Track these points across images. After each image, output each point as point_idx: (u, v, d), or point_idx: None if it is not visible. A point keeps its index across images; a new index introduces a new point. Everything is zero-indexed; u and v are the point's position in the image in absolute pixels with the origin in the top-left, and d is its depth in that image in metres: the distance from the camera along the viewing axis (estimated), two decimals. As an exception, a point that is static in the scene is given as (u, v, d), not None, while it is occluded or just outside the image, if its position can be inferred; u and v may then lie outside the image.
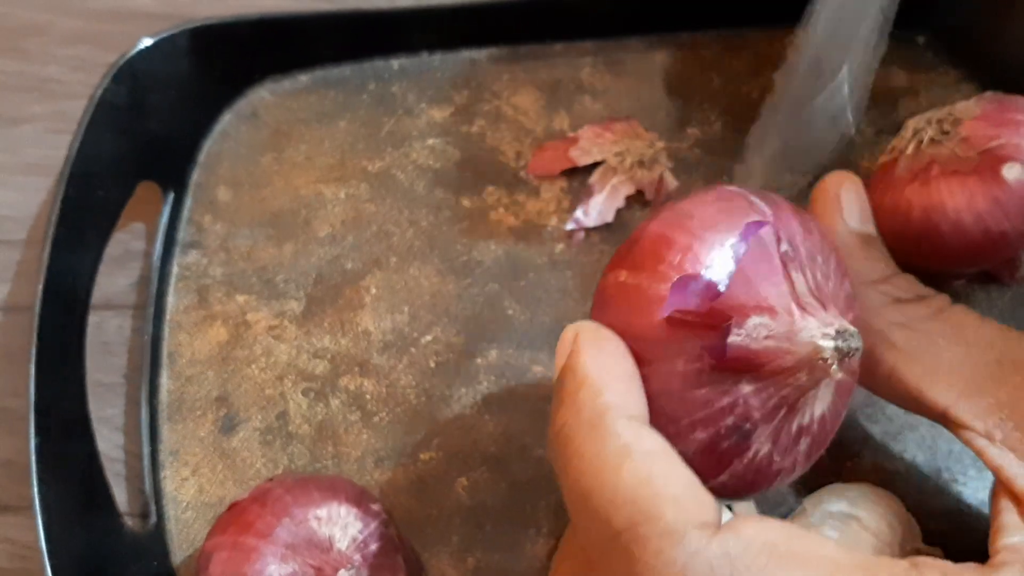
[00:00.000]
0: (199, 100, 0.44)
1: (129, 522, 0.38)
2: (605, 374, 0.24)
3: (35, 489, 0.34)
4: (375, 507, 0.34)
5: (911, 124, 0.36)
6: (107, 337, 0.42)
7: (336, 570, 0.31)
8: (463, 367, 0.40)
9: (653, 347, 0.25)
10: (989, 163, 0.34)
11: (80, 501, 0.37)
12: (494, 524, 0.37)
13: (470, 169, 0.43)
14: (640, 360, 0.25)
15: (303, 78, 0.46)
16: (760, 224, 0.25)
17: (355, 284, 0.42)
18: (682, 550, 0.20)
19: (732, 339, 0.24)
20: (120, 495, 0.39)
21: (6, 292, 0.43)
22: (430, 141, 0.44)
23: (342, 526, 0.33)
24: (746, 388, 0.24)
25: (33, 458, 0.34)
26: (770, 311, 0.24)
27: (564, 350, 0.25)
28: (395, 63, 0.46)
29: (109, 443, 0.40)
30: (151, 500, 0.38)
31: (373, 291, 0.41)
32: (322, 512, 0.33)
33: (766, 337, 0.24)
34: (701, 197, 0.27)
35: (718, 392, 0.24)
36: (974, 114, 0.35)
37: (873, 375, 0.31)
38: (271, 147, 0.45)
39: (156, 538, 0.38)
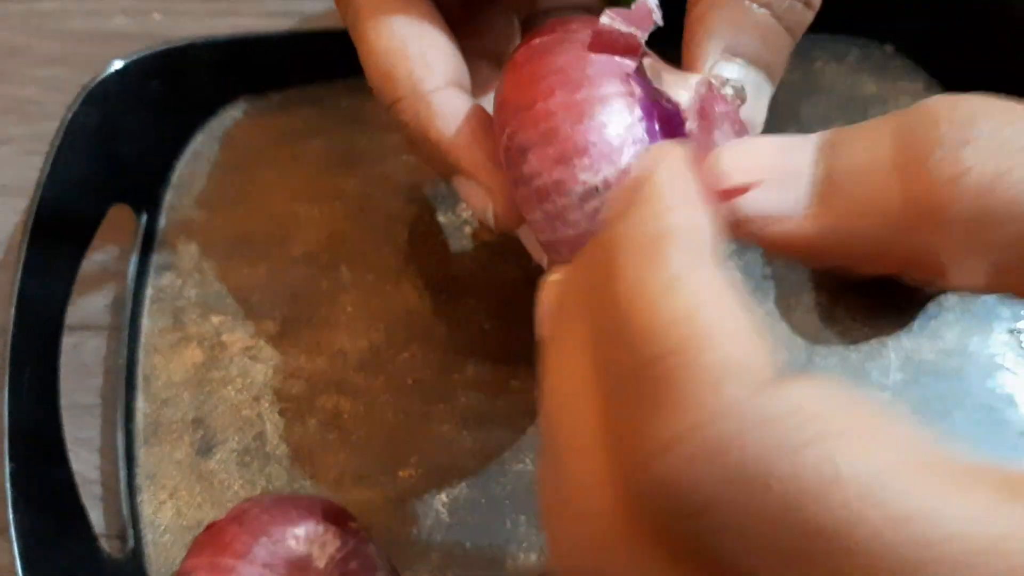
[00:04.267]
0: (171, 121, 0.44)
1: (107, 546, 0.38)
2: (679, 195, 0.20)
3: (10, 515, 0.34)
4: (353, 525, 0.34)
5: (880, 132, 0.37)
6: (84, 358, 0.41)
7: (314, 589, 0.31)
8: (440, 384, 0.40)
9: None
10: (957, 169, 0.34)
11: (56, 525, 0.36)
12: (474, 541, 0.37)
13: (445, 185, 0.43)
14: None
15: (276, 97, 0.46)
16: None
17: (331, 303, 0.41)
18: (729, 390, 0.16)
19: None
20: (97, 518, 0.38)
21: (-20, 315, 0.43)
22: (404, 158, 0.44)
23: (320, 544, 0.33)
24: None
25: (8, 483, 0.34)
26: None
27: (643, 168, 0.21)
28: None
29: (87, 465, 0.39)
30: (128, 524, 0.38)
31: (349, 309, 0.41)
32: (300, 531, 0.33)
33: None
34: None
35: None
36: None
37: None
38: (244, 167, 0.45)
39: (134, 562, 0.37)
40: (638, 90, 0.26)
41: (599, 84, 0.26)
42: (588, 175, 0.25)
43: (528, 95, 0.26)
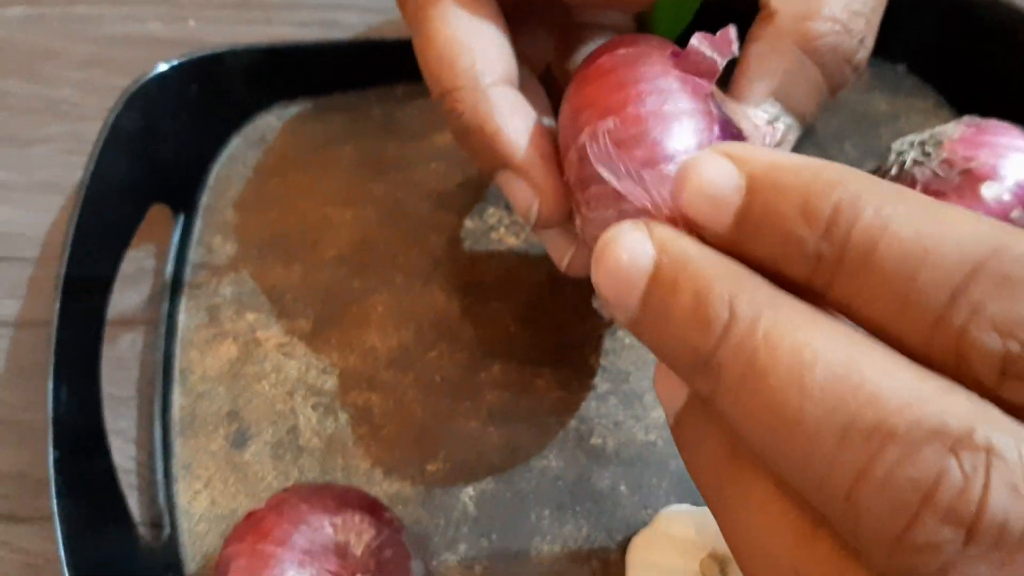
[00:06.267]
0: (209, 125, 0.46)
1: (143, 533, 0.39)
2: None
3: (54, 501, 0.35)
4: (388, 515, 0.35)
5: (894, 146, 0.38)
6: (120, 352, 0.43)
7: (353, 575, 0.32)
8: (467, 382, 0.41)
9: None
10: (968, 183, 0.36)
11: (97, 512, 0.37)
12: (500, 533, 0.38)
13: (472, 191, 0.45)
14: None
15: (310, 104, 0.47)
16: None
17: (362, 303, 0.43)
18: None
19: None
20: (133, 506, 0.39)
21: (19, 308, 0.44)
22: (433, 165, 0.46)
23: (357, 533, 0.34)
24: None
25: (52, 471, 0.35)
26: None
27: None
28: (399, 90, 0.47)
29: (123, 455, 0.40)
30: (164, 512, 0.39)
31: (379, 309, 0.43)
32: (337, 520, 0.34)
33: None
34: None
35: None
36: (954, 136, 0.37)
37: None
38: (278, 171, 0.46)
39: (170, 549, 0.39)
40: (715, 110, 0.28)
41: (686, 99, 0.28)
42: None
43: (618, 99, 0.28)
